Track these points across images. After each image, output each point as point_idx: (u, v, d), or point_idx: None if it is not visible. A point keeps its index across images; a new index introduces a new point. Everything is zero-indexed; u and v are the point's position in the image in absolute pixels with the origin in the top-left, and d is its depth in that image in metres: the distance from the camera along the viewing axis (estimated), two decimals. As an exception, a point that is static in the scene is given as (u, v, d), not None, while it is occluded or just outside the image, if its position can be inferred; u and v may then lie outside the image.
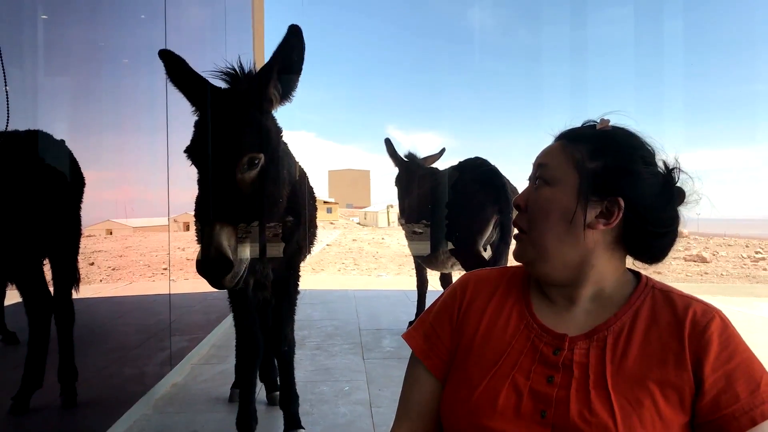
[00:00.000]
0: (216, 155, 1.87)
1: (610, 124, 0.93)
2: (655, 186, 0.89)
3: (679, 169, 0.91)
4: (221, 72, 1.99)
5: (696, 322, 0.83)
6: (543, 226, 0.91)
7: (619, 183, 0.88)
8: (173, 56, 2.00)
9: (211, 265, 1.77)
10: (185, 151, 1.96)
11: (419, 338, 1.02)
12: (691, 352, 0.81)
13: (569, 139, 0.94)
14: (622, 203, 0.87)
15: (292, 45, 1.92)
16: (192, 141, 1.95)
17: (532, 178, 0.96)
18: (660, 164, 0.91)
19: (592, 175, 0.88)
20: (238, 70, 1.99)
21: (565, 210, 0.89)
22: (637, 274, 0.95)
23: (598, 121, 0.94)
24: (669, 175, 0.90)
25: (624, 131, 0.93)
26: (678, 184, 0.91)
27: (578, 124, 0.97)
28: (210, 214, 1.82)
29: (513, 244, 1.06)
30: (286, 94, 2.05)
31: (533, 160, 0.98)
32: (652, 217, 0.89)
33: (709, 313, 0.84)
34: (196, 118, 2.00)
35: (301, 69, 1.98)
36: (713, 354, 0.80)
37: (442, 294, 1.06)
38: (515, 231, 1.00)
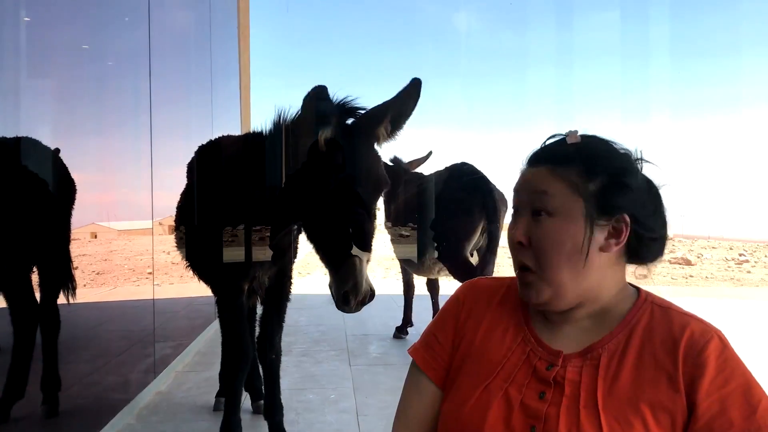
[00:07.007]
0: (369, 191, 1.91)
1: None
2: (643, 191, 0.87)
3: (642, 159, 0.90)
4: (346, 107, 1.98)
5: (693, 342, 0.80)
6: (556, 261, 0.84)
7: (619, 199, 0.84)
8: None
9: (367, 299, 1.84)
10: (336, 183, 1.90)
11: (421, 349, 1.01)
12: (685, 374, 0.78)
13: (555, 161, 0.87)
14: (627, 219, 0.84)
15: (410, 95, 1.98)
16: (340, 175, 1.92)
17: (527, 209, 0.88)
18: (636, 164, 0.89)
19: (594, 197, 0.84)
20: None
21: (576, 240, 0.84)
22: (637, 289, 0.92)
23: (565, 134, 0.90)
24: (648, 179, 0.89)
25: (597, 140, 0.90)
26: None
27: (539, 145, 0.93)
28: (357, 247, 1.83)
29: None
30: (392, 134, 2.07)
31: (514, 186, 0.93)
32: (649, 223, 0.87)
33: (708, 333, 0.80)
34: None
35: (411, 115, 2.03)
36: (709, 377, 0.77)
37: (445, 303, 1.04)
38: (516, 267, 0.92)
